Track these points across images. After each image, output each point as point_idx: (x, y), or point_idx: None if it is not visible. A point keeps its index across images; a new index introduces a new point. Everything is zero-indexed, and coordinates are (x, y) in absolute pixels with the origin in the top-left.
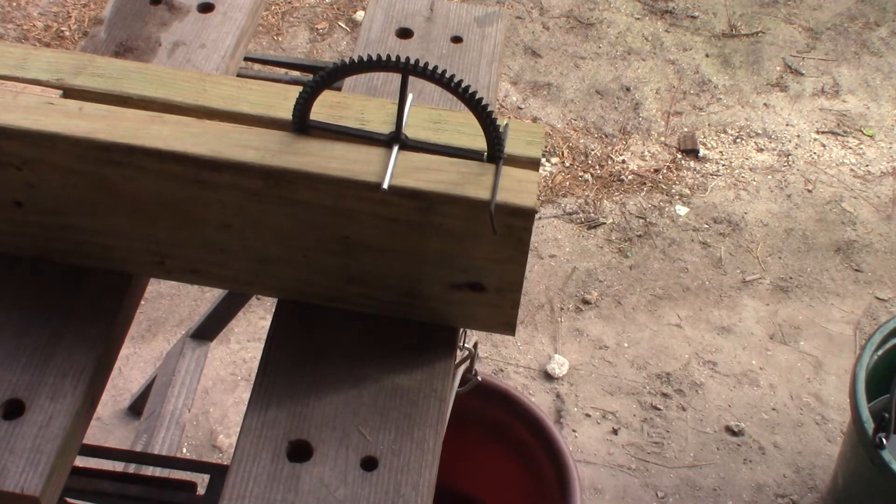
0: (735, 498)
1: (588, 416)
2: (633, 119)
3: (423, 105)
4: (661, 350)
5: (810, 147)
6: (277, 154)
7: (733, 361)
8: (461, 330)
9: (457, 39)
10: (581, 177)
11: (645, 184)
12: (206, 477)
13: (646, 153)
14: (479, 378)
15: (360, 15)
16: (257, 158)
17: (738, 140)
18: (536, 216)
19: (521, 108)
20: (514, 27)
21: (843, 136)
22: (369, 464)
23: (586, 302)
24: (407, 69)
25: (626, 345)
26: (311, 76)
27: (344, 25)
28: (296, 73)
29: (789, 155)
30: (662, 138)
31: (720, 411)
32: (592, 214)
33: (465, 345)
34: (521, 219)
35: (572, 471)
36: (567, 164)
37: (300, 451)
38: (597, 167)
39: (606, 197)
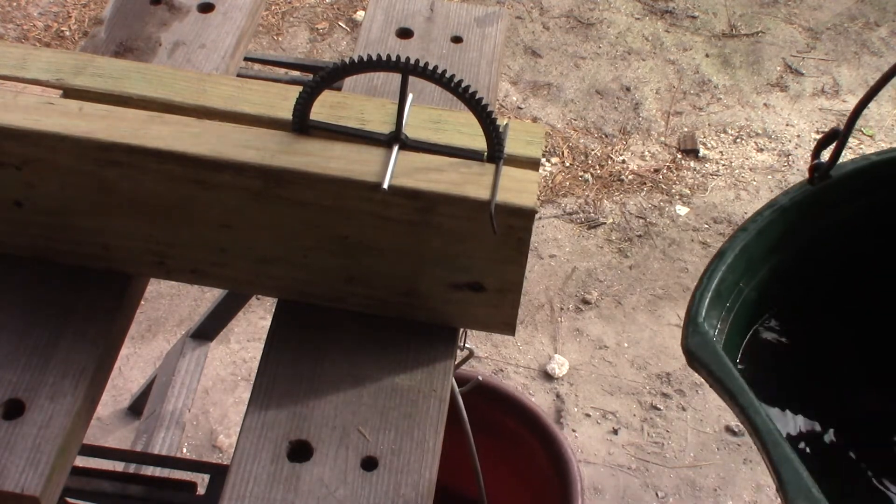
0: (735, 498)
1: (588, 416)
2: (633, 119)
3: (423, 105)
4: (662, 350)
5: (810, 147)
6: (277, 154)
7: None
8: (461, 330)
9: (457, 39)
10: (581, 177)
11: (645, 184)
12: (206, 477)
13: (646, 153)
14: (480, 378)
15: (360, 15)
16: (257, 158)
17: (738, 140)
18: (536, 216)
19: (521, 108)
20: (514, 27)
21: None
22: (369, 464)
23: (586, 302)
24: (407, 69)
25: (626, 345)
26: (311, 76)
27: (344, 25)
28: (296, 73)
29: (789, 155)
30: (662, 138)
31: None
32: (592, 214)
33: (466, 345)
34: (522, 219)
35: (568, 454)
36: (567, 164)
37: (300, 451)
38: (597, 167)
39: (606, 197)
